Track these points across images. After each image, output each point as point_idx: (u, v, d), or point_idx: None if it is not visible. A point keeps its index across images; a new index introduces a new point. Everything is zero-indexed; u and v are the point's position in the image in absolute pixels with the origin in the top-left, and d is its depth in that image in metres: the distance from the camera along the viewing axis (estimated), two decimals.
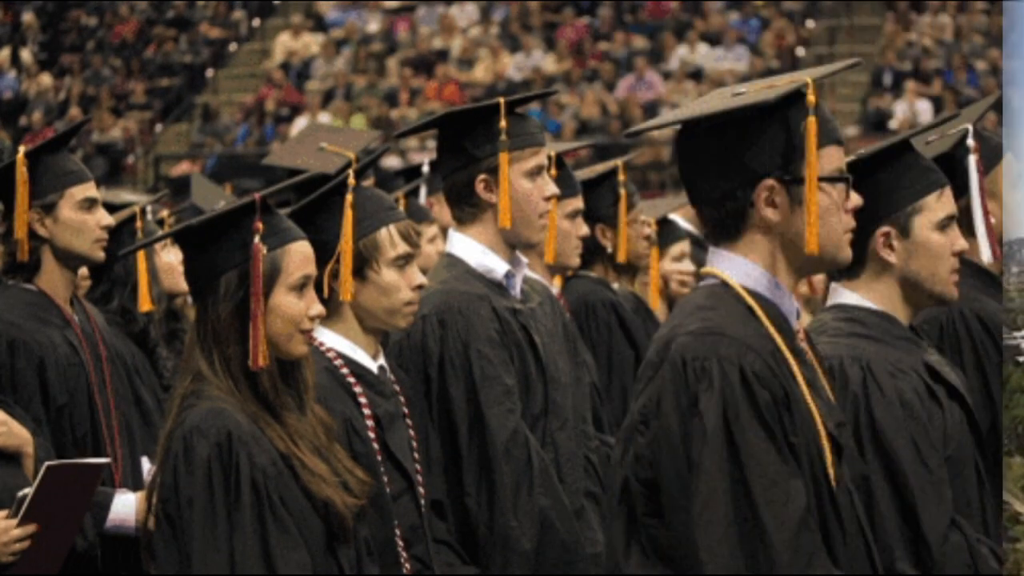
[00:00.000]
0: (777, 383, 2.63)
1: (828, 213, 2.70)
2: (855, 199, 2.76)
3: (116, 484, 4.23)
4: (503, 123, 3.93)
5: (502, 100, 3.96)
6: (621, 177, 5.19)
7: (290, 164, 5.29)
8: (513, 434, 3.85)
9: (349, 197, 3.54)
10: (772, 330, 2.70)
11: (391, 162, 16.29)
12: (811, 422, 2.68)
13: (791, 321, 2.77)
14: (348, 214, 3.53)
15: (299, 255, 3.19)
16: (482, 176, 3.97)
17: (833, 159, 2.71)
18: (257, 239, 3.11)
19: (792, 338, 2.76)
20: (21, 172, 4.20)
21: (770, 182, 2.69)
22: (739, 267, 2.75)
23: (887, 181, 3.21)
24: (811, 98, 2.67)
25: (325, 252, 3.50)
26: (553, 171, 4.52)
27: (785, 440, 2.61)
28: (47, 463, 3.53)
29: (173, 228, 3.25)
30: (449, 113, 4.09)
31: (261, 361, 3.10)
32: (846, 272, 3.26)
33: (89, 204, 4.28)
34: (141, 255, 4.85)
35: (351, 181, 3.55)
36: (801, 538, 2.56)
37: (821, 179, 2.68)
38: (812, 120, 2.66)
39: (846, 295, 3.28)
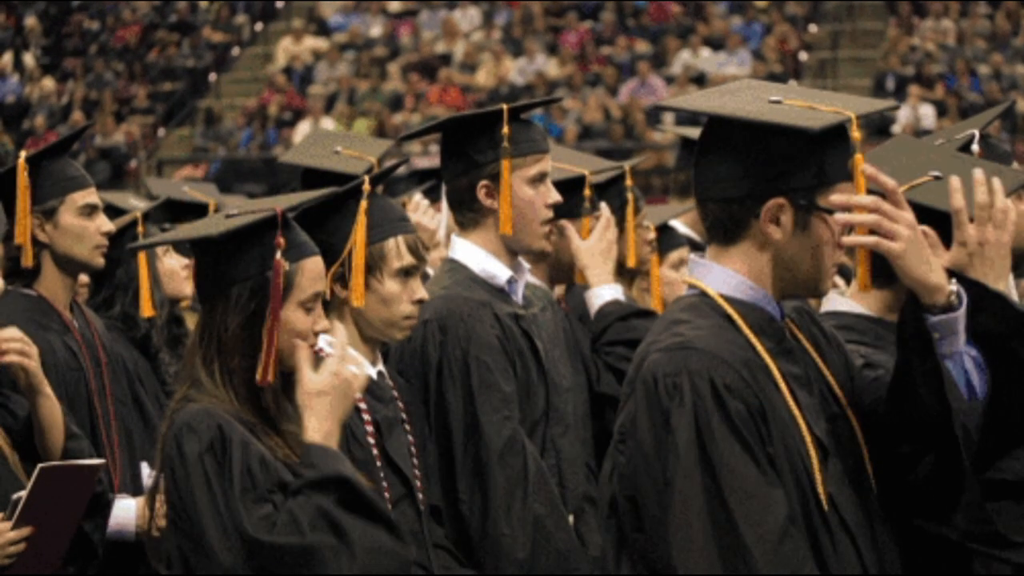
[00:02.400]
0: (751, 393, 2.62)
1: (826, 245, 2.71)
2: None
3: (115, 489, 4.23)
4: (506, 130, 3.92)
5: (505, 107, 3.94)
6: (628, 182, 5.17)
7: (311, 164, 5.28)
8: (509, 441, 3.84)
9: (364, 204, 3.53)
10: (752, 337, 2.69)
11: None
12: (793, 429, 2.66)
13: (777, 321, 2.76)
14: (362, 220, 3.52)
15: (312, 272, 3.17)
16: (484, 182, 3.96)
17: (846, 195, 2.69)
18: (279, 255, 3.10)
19: (779, 339, 2.74)
20: (22, 177, 4.19)
21: (781, 200, 2.68)
22: (718, 276, 2.75)
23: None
24: (856, 135, 2.67)
25: (330, 254, 3.49)
26: (587, 191, 4.54)
27: (763, 450, 2.60)
28: (40, 465, 3.52)
29: (191, 235, 3.22)
30: (453, 118, 4.08)
31: (270, 377, 3.09)
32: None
33: (90, 210, 4.27)
34: (143, 260, 4.83)
35: (366, 188, 3.54)
36: (783, 548, 2.54)
37: (831, 212, 2.67)
38: (860, 158, 2.67)
39: (840, 302, 3.26)
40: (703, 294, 2.75)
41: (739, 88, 2.87)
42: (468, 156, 3.97)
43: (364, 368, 3.22)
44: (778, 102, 2.71)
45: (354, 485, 2.99)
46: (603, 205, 4.75)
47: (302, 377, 3.06)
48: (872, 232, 2.66)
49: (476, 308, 3.91)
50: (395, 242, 3.58)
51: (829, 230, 2.69)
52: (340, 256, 3.54)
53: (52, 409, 3.77)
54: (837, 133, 2.67)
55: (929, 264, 2.67)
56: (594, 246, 4.60)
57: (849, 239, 2.68)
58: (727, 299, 2.73)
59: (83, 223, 4.25)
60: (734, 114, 2.69)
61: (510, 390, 3.89)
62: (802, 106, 2.69)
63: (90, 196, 4.29)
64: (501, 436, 3.83)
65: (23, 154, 4.25)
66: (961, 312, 2.70)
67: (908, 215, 2.67)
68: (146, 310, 4.84)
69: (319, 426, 3.03)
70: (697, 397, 2.59)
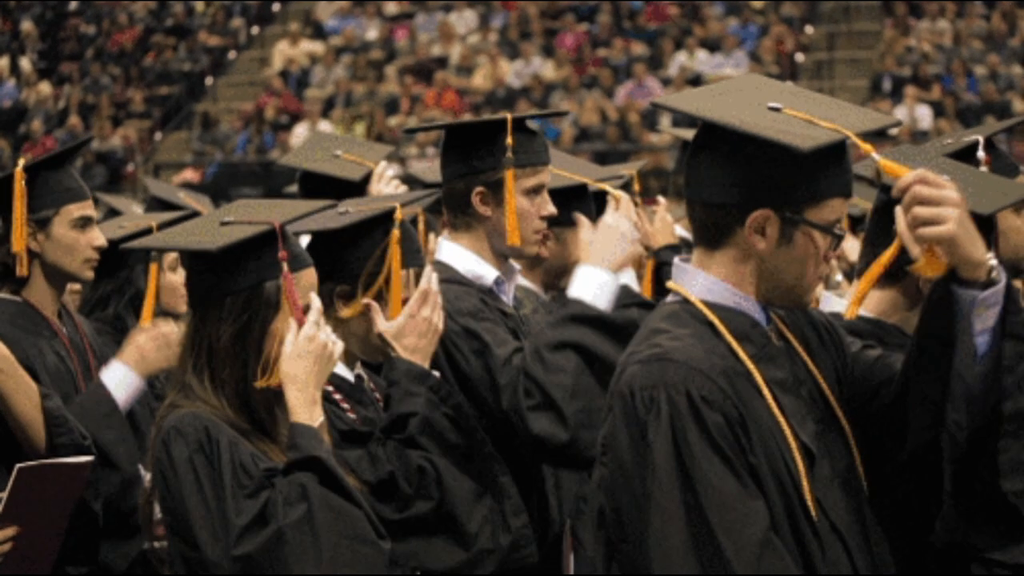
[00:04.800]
0: (730, 404, 2.60)
1: (810, 259, 2.68)
2: (837, 252, 2.74)
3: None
4: (510, 140, 3.91)
5: (509, 116, 3.93)
6: (637, 187, 5.15)
7: (310, 168, 5.27)
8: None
9: (396, 233, 3.55)
10: (733, 343, 2.68)
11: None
12: (777, 435, 2.64)
13: (761, 326, 2.74)
14: (396, 250, 3.56)
15: (306, 285, 3.17)
16: (479, 188, 3.95)
17: (835, 210, 2.68)
18: (286, 267, 3.10)
19: (763, 344, 2.73)
20: (19, 186, 4.18)
21: (767, 212, 2.65)
22: (701, 282, 2.73)
23: None
24: (867, 147, 2.65)
25: (340, 270, 3.53)
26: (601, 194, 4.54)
27: (744, 461, 2.59)
28: (18, 465, 3.52)
29: (189, 246, 3.22)
30: (457, 124, 4.07)
31: (274, 381, 3.10)
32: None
33: (83, 223, 4.24)
34: (154, 271, 4.79)
35: (399, 216, 3.56)
36: (764, 560, 2.53)
37: (817, 227, 2.66)
38: (884, 163, 2.65)
39: (839, 303, 3.26)
40: (685, 300, 2.74)
41: (740, 87, 2.84)
42: (467, 161, 3.96)
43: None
44: (777, 110, 2.68)
45: (330, 467, 3.00)
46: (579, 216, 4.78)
47: (284, 348, 3.07)
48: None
49: (460, 290, 3.89)
50: (406, 274, 3.61)
51: (814, 244, 2.67)
52: (353, 276, 3.57)
53: (6, 381, 3.80)
54: (833, 149, 2.64)
55: (974, 239, 2.61)
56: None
57: (907, 233, 2.60)
58: (709, 305, 2.71)
59: (75, 236, 4.23)
60: (728, 123, 2.65)
61: (506, 350, 3.77)
62: (801, 118, 2.66)
63: (85, 209, 4.26)
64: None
65: (21, 162, 4.24)
66: (1003, 283, 2.64)
67: (949, 193, 2.59)
68: (146, 319, 4.82)
69: (300, 395, 3.04)
70: (674, 410, 2.57)
